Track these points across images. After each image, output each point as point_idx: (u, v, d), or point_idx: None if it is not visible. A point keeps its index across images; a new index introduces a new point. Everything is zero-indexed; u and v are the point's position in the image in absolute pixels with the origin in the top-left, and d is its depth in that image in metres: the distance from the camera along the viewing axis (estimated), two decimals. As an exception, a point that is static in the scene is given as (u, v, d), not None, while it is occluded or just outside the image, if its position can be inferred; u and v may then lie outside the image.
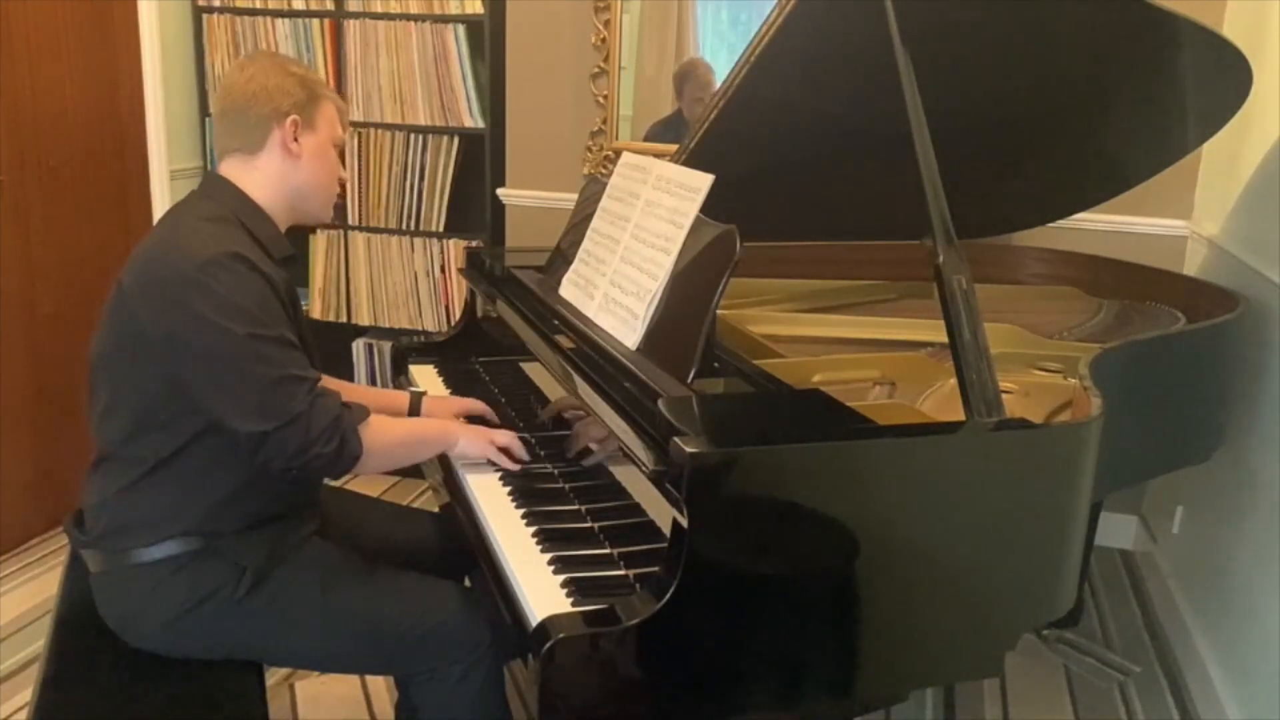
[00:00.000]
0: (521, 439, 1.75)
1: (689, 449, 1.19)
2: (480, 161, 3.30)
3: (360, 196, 3.40)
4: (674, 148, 2.17)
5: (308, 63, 3.32)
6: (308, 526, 1.66)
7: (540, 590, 1.36)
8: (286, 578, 1.58)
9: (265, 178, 1.60)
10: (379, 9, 3.23)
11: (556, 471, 1.72)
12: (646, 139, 3.20)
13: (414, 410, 1.94)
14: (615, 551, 1.46)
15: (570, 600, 1.33)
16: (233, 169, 1.61)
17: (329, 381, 1.87)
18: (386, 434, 1.61)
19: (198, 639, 1.56)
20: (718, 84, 3.13)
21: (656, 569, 1.26)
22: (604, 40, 3.15)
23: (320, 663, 1.73)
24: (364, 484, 3.23)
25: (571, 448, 1.73)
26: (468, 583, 1.82)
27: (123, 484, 1.54)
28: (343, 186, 1.71)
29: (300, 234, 3.49)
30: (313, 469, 1.50)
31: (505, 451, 1.72)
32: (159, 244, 1.52)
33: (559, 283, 1.93)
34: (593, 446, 1.67)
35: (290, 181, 1.62)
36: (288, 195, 1.62)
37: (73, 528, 1.62)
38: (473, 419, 1.91)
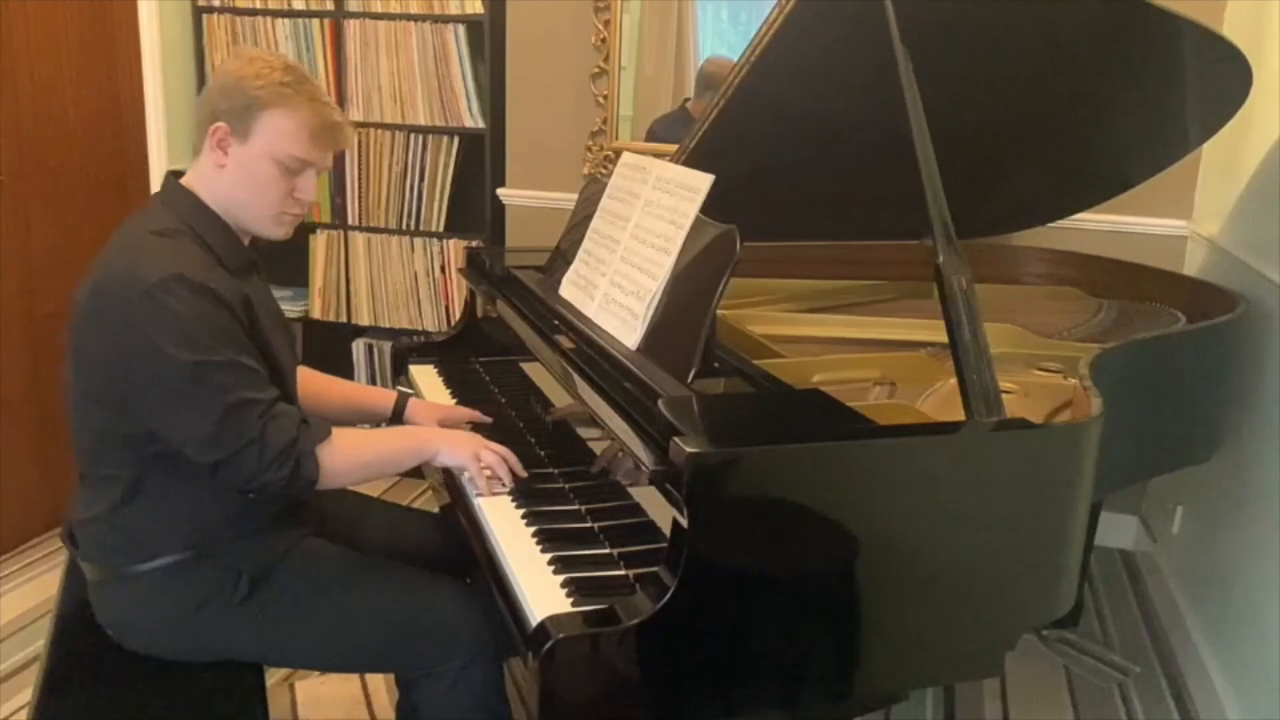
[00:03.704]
0: (524, 441, 1.75)
1: (689, 449, 1.19)
2: (480, 161, 3.30)
3: (360, 196, 3.40)
4: (674, 148, 2.17)
5: (307, 63, 3.32)
6: (303, 527, 1.66)
7: (540, 590, 1.36)
8: (284, 579, 1.58)
9: (207, 182, 1.54)
10: (379, 9, 3.23)
11: (556, 472, 1.72)
12: (650, 135, 3.19)
13: (398, 410, 1.91)
14: (615, 551, 1.46)
15: (570, 600, 1.33)
16: (191, 168, 1.56)
17: (311, 378, 1.86)
18: (352, 452, 1.55)
19: (196, 643, 1.56)
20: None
21: (656, 569, 1.26)
22: (604, 40, 3.15)
23: (320, 663, 1.73)
24: (364, 485, 3.23)
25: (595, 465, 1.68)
26: (468, 581, 1.82)
27: (106, 505, 1.53)
28: (306, 206, 1.57)
29: (300, 234, 3.48)
30: (269, 493, 1.48)
31: (493, 469, 1.64)
32: (108, 264, 1.46)
33: (559, 283, 1.93)
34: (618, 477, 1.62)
35: (219, 191, 1.54)
36: (225, 204, 1.55)
37: (67, 540, 1.62)
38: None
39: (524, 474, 1.66)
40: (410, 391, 1.96)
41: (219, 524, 1.54)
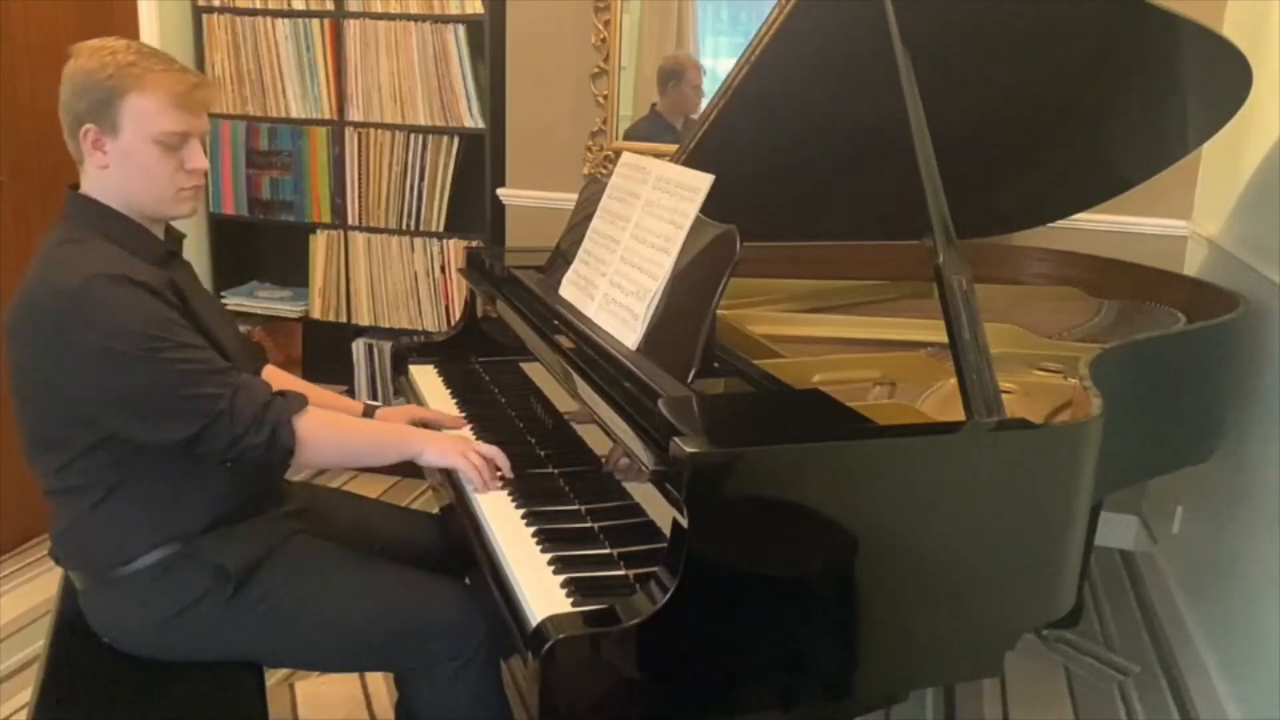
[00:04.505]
0: (524, 441, 1.75)
1: (688, 449, 1.19)
2: (480, 161, 3.30)
3: (360, 196, 3.40)
4: (674, 148, 2.17)
5: (307, 63, 3.32)
6: (286, 523, 1.66)
7: (540, 590, 1.36)
8: (274, 577, 1.58)
9: (99, 186, 1.52)
10: (379, 9, 3.23)
11: (556, 472, 1.72)
12: (627, 139, 3.20)
13: (367, 418, 1.91)
14: (615, 551, 1.46)
15: (570, 600, 1.33)
16: (81, 178, 1.55)
17: (283, 382, 1.85)
18: (331, 428, 1.57)
19: (190, 644, 1.56)
20: (705, 83, 3.15)
21: (656, 569, 1.26)
22: (604, 40, 3.15)
23: (316, 661, 1.73)
24: (363, 484, 3.24)
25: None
26: (467, 581, 1.82)
27: (79, 513, 1.53)
28: (201, 175, 1.56)
29: (300, 234, 3.49)
30: (247, 460, 1.48)
31: (481, 468, 1.63)
32: (31, 281, 1.45)
33: (559, 283, 1.93)
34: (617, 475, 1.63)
35: (113, 188, 1.51)
36: (123, 200, 1.52)
37: (52, 556, 1.62)
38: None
39: (510, 475, 1.66)
40: (377, 404, 1.97)
41: (192, 517, 1.54)
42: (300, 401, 1.53)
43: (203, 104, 1.55)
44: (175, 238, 1.65)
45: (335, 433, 1.58)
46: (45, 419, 1.50)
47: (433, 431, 1.75)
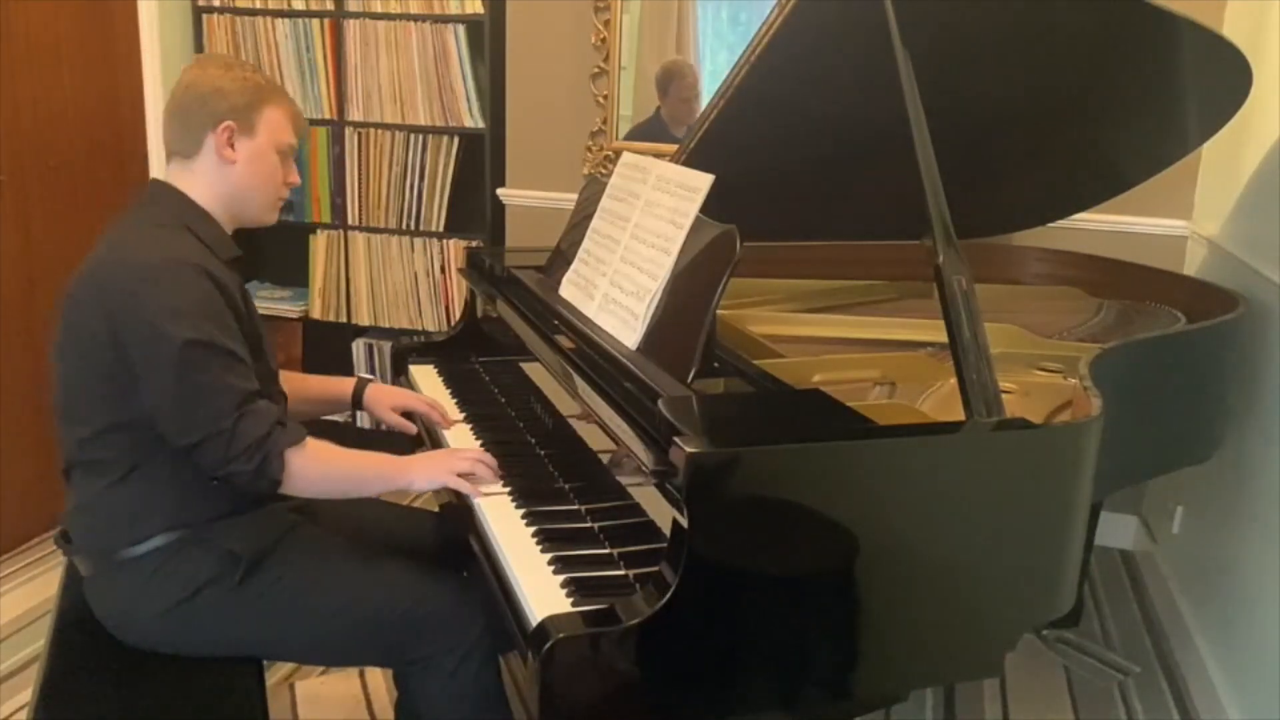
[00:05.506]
0: (524, 441, 1.74)
1: (689, 449, 1.19)
2: (480, 161, 3.31)
3: (360, 196, 3.41)
4: (674, 148, 2.17)
5: (307, 63, 3.33)
6: (290, 516, 1.68)
7: (540, 590, 1.36)
8: (280, 566, 1.59)
9: (204, 181, 1.62)
10: (379, 9, 3.23)
11: (556, 472, 1.72)
12: (628, 140, 3.20)
13: (358, 395, 1.98)
14: (615, 551, 1.46)
15: (570, 600, 1.33)
16: (175, 172, 1.63)
17: (286, 376, 1.89)
18: (322, 462, 1.59)
19: (193, 633, 1.57)
20: (702, 84, 3.16)
21: (656, 569, 1.26)
22: (604, 40, 3.15)
23: (315, 653, 1.74)
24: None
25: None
26: (464, 575, 1.82)
27: (99, 488, 1.56)
28: (292, 190, 1.73)
29: (300, 234, 3.49)
30: (233, 483, 1.52)
31: (470, 475, 1.65)
32: (106, 252, 1.54)
33: (559, 283, 1.93)
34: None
35: (226, 186, 1.63)
36: (225, 199, 1.64)
37: (60, 540, 1.64)
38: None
39: (500, 472, 1.68)
40: (370, 378, 2.01)
41: (206, 504, 1.57)
42: (298, 435, 1.56)
43: (305, 129, 1.77)
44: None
45: (325, 468, 1.60)
46: (84, 388, 1.54)
47: (416, 456, 1.75)
